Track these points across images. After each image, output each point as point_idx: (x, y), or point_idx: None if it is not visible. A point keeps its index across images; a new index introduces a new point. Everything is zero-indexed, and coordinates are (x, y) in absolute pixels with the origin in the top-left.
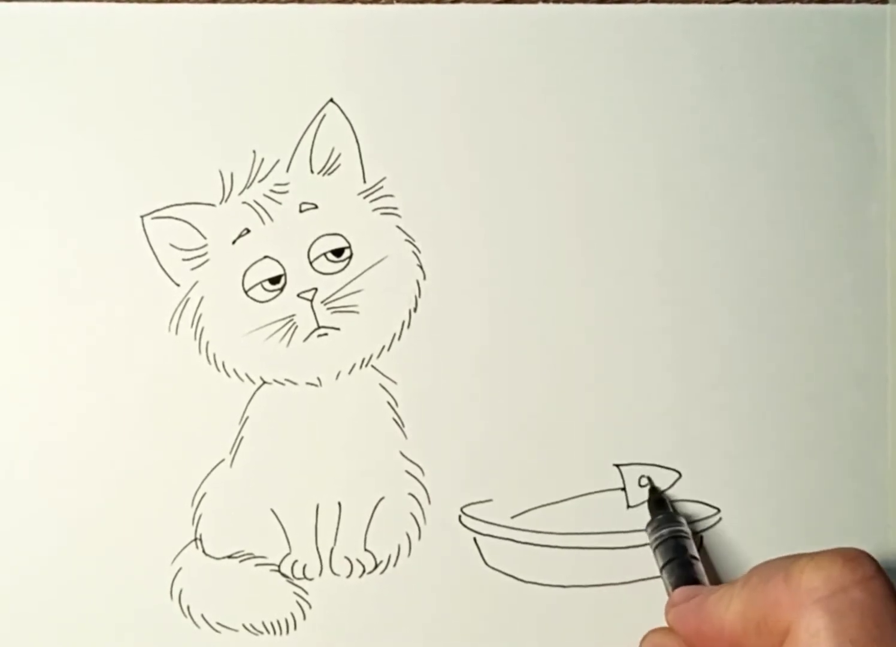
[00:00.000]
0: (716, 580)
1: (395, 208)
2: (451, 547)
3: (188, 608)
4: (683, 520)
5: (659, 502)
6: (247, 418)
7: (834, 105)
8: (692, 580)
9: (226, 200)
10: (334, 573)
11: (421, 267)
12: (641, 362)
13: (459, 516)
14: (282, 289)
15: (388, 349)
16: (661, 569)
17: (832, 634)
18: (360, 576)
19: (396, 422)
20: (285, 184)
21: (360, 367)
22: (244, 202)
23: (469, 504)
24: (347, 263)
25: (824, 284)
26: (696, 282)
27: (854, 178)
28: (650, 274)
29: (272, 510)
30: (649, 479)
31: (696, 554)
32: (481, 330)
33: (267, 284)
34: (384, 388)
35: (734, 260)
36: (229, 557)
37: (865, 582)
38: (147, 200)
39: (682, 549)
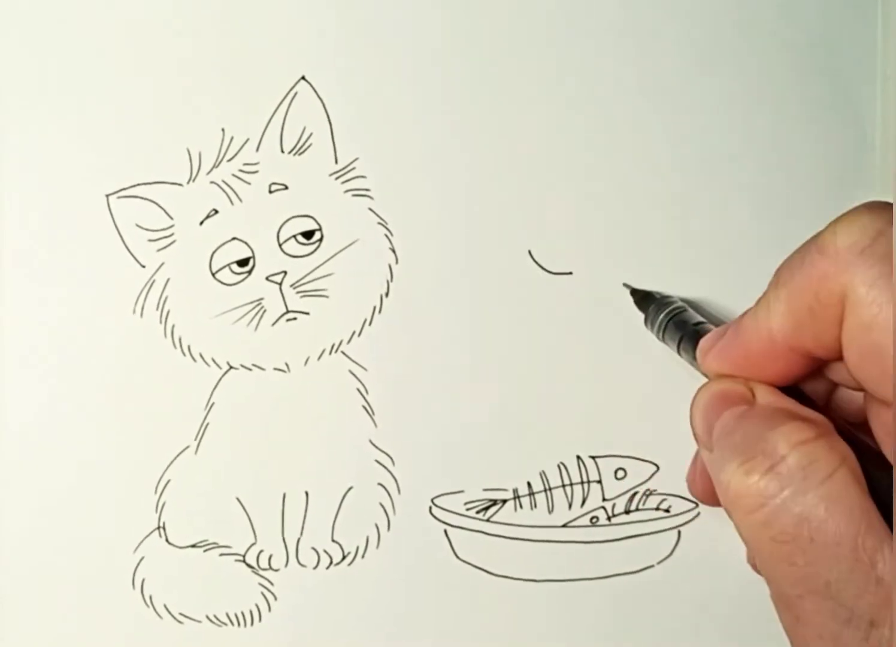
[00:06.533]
0: None
1: (368, 190)
2: (421, 539)
3: (150, 597)
4: (674, 297)
5: (644, 296)
6: (213, 403)
7: (824, 88)
8: None
9: (193, 180)
10: (301, 564)
11: (393, 251)
12: (617, 353)
13: (430, 508)
14: (250, 272)
15: (359, 335)
16: (678, 352)
17: (888, 277)
18: (328, 567)
19: (366, 410)
20: (255, 164)
21: (330, 353)
22: (212, 182)
23: (440, 495)
24: (318, 246)
25: None
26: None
27: (843, 163)
28: (627, 268)
29: (237, 499)
30: (626, 285)
31: (701, 318)
32: (455, 316)
33: (235, 267)
34: (354, 374)
35: (717, 247)
36: (193, 546)
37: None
38: (112, 178)
39: (684, 323)
